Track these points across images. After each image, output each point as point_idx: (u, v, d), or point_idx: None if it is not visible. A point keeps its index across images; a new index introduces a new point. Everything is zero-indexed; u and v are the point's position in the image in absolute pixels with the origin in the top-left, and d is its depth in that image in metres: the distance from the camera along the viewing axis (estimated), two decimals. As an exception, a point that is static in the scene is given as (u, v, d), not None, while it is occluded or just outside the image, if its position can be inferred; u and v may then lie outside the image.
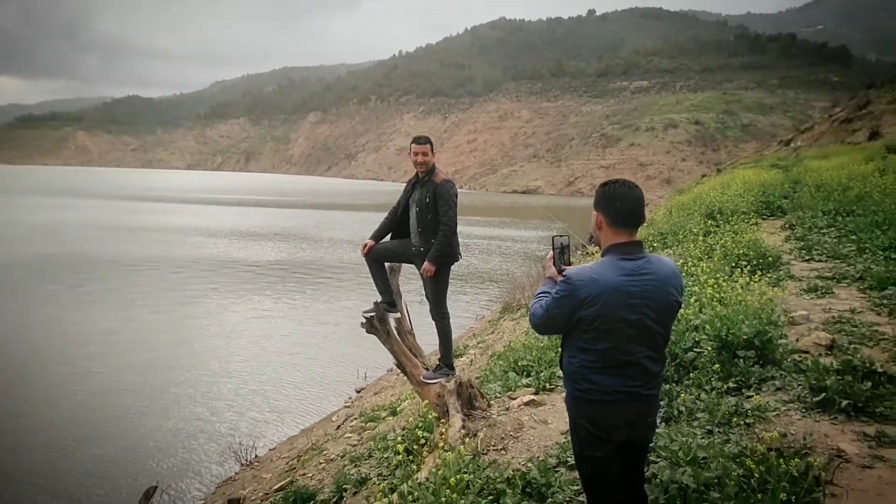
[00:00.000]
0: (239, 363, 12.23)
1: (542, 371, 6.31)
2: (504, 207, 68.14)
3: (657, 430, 4.14)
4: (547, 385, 5.99)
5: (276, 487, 7.12)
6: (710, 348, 4.92)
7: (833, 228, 10.66)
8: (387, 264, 5.59)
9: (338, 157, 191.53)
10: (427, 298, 5.23)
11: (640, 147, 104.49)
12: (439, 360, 5.41)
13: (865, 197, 12.20)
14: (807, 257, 9.13)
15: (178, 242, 29.00)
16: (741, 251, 8.26)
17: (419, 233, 5.05)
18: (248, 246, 28.83)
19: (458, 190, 5.02)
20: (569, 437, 4.55)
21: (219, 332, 14.50)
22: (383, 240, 5.30)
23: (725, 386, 4.59)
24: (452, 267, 5.21)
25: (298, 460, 8.01)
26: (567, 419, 4.52)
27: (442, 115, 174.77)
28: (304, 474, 7.18)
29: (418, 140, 5.00)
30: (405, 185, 5.23)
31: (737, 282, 6.19)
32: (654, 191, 66.10)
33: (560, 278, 2.51)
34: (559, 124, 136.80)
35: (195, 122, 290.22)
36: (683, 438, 3.91)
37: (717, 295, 5.87)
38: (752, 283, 6.25)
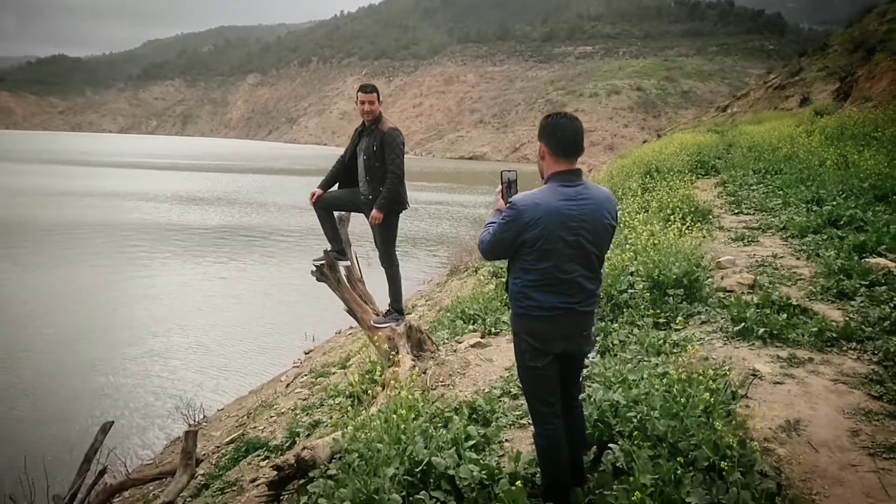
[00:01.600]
0: (184, 327, 12.14)
1: (487, 317, 6.60)
2: (450, 174, 68.20)
3: (593, 360, 4.45)
4: (493, 329, 6.27)
5: (226, 441, 7.24)
6: (642, 287, 5.26)
7: (762, 185, 11.25)
8: (337, 214, 5.68)
9: (279, 122, 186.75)
10: (376, 246, 5.37)
11: (584, 113, 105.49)
12: (389, 305, 5.59)
13: (793, 157, 12.87)
14: (736, 211, 9.66)
15: (117, 207, 28.10)
16: (675, 204, 8.67)
17: (367, 181, 5.13)
18: (191, 210, 28.20)
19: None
20: (512, 372, 4.84)
21: (163, 295, 14.31)
22: (331, 189, 5.37)
23: (655, 321, 4.94)
24: (402, 217, 5.34)
25: (248, 416, 8.12)
26: (510, 358, 4.77)
27: (387, 78, 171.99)
28: (254, 427, 7.30)
29: (364, 88, 5.06)
30: (353, 133, 5.31)
31: (669, 229, 6.56)
32: (597, 157, 67.22)
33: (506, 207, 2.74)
34: (505, 89, 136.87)
35: (127, 83, 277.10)
36: (616, 367, 4.22)
37: (651, 242, 6.23)
38: (684, 232, 6.64)
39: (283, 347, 11.40)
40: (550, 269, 2.66)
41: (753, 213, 9.37)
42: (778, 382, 3.88)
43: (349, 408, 5.27)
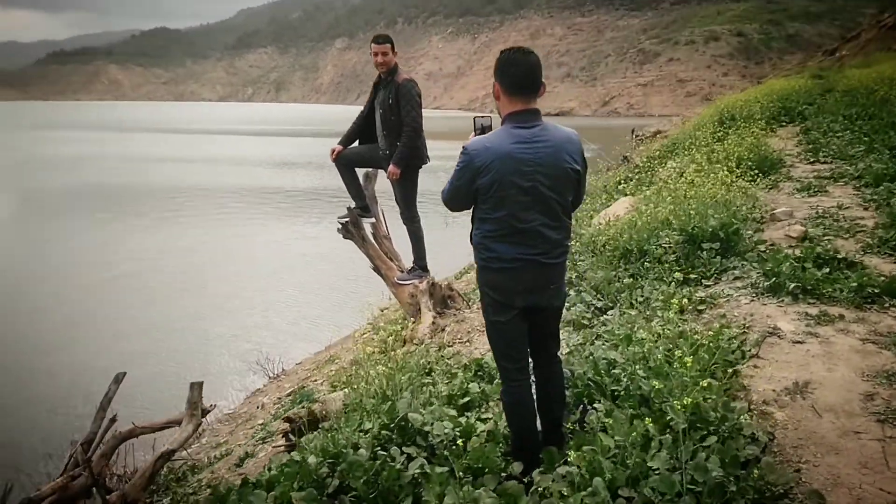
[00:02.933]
0: (273, 282, 12.51)
1: None
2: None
3: (608, 317, 4.25)
4: None
5: (286, 393, 7.56)
6: (675, 241, 4.94)
7: (848, 132, 10.30)
8: (364, 171, 5.66)
9: (367, 85, 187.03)
10: (396, 203, 5.31)
11: (680, 62, 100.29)
12: (413, 262, 5.55)
13: (892, 100, 11.68)
14: (812, 159, 8.92)
15: (216, 172, 29.25)
16: (740, 154, 8.09)
17: (384, 135, 5.05)
18: (282, 174, 28.67)
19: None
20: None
21: (258, 252, 14.74)
22: (352, 145, 5.33)
23: (686, 277, 4.64)
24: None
25: (316, 369, 8.39)
26: None
27: (471, 36, 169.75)
28: (315, 381, 7.55)
29: (377, 39, 4.95)
30: (371, 87, 5.23)
31: (716, 175, 6.11)
32: (693, 108, 63.80)
33: None
34: (594, 41, 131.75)
35: (223, 52, 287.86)
36: (628, 324, 4.01)
37: (691, 192, 5.83)
38: (734, 180, 6.16)
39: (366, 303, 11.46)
40: (507, 217, 2.49)
41: (830, 162, 8.60)
42: (798, 342, 3.56)
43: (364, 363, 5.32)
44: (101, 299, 11.49)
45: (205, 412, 3.99)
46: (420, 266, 5.49)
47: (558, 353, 2.93)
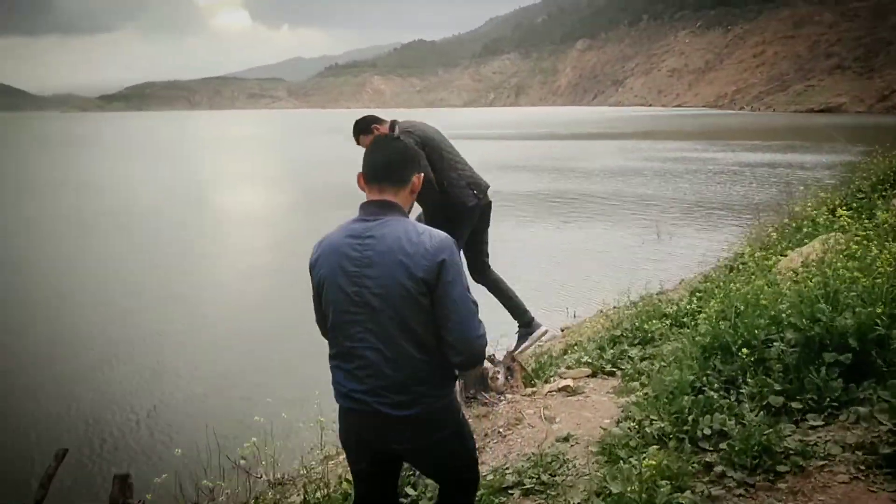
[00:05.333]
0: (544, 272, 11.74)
1: (614, 347, 5.06)
2: (791, 129, 58.42)
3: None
4: (608, 367, 4.72)
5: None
6: (782, 344, 3.30)
7: None
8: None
9: (604, 85, 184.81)
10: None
11: None
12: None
13: None
14: None
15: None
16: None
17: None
18: (521, 177, 27.80)
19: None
20: (559, 446, 3.53)
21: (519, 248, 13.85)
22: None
23: (786, 403, 3.04)
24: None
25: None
26: (579, 420, 3.80)
27: (724, 28, 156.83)
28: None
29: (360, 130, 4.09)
30: None
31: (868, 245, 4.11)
32: None
33: None
34: (872, 27, 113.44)
35: (470, 60, 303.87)
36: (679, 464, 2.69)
37: (825, 265, 3.93)
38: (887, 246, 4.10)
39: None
40: (334, 330, 1.99)
41: None
42: None
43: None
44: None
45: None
46: (522, 324, 4.38)
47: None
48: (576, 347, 5.97)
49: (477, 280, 4.19)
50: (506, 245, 13.05)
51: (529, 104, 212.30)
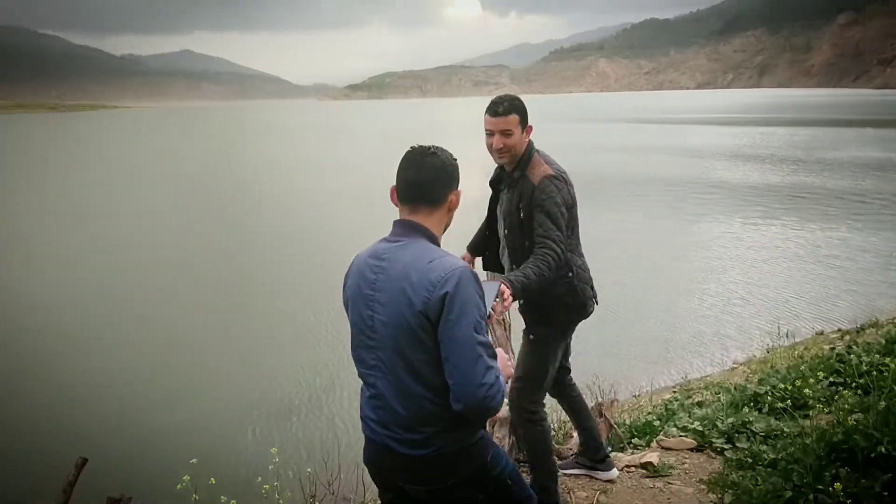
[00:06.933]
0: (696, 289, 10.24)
1: (726, 416, 3.81)
2: None
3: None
4: (718, 440, 3.59)
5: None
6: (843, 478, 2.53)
7: None
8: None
9: (868, 65, 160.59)
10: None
11: None
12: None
13: None
14: None
15: (683, 164, 26.36)
16: None
17: (510, 263, 2.85)
18: (750, 168, 25.69)
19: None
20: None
21: (713, 249, 12.63)
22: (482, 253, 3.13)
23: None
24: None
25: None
26: None
27: None
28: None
29: (494, 108, 2.63)
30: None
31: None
32: None
33: None
34: None
35: (708, 38, 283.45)
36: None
37: None
38: None
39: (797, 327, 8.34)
40: (354, 350, 1.85)
41: None
42: None
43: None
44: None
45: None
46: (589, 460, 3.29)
47: None
48: (720, 396, 4.58)
49: (551, 394, 3.07)
50: (724, 247, 12.44)
51: (775, 85, 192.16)
